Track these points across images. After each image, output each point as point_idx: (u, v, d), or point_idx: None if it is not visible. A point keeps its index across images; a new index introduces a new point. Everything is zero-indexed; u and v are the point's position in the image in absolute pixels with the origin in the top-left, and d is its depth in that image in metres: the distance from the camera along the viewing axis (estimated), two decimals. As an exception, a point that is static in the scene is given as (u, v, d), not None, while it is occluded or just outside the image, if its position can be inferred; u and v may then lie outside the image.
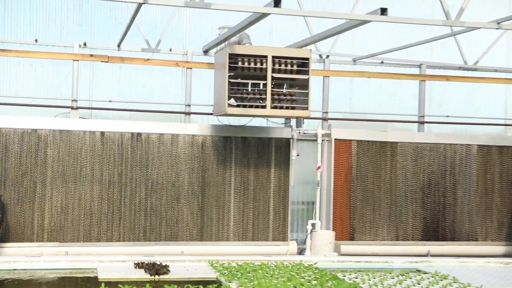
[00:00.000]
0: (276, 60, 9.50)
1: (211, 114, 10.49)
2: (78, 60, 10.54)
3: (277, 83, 9.73)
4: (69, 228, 9.93)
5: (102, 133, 10.12)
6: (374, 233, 11.16)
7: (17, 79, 10.71)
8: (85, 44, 10.77)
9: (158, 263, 7.03)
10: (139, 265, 7.09)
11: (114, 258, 7.59)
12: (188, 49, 11.23)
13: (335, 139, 11.05)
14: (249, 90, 9.72)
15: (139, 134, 10.27)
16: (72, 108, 10.49)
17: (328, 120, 11.58)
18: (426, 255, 10.84)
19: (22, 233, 9.72)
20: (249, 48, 9.56)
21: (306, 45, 10.19)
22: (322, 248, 10.32)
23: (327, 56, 11.77)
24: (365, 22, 8.15)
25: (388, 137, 11.25)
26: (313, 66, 10.42)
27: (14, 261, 7.43)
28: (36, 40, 10.64)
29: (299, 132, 10.88)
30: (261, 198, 10.65)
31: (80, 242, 9.94)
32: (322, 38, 9.91)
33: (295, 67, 9.60)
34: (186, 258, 7.79)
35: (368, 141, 11.17)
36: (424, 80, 12.17)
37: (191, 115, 11.09)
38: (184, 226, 10.37)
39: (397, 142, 11.27)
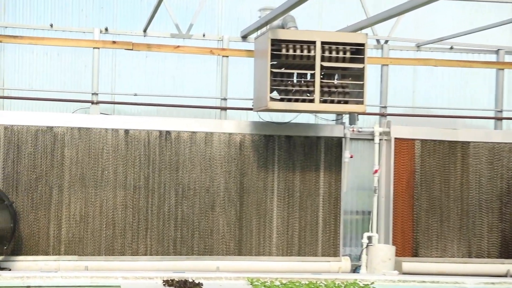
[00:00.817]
0: (326, 46, 9.44)
1: (251, 109, 10.51)
2: (98, 48, 10.67)
3: (327, 73, 9.67)
4: (89, 240, 10.08)
5: (126, 131, 10.24)
6: (441, 248, 11.02)
7: (30, 70, 10.91)
8: (106, 29, 10.91)
9: (190, 280, 7.08)
10: (168, 283, 7.15)
11: (140, 275, 7.65)
12: (224, 34, 11.25)
13: (395, 138, 10.97)
14: (295, 81, 9.71)
15: (168, 133, 10.35)
16: (92, 102, 10.63)
17: (387, 116, 11.46)
18: (505, 276, 10.64)
19: (37, 245, 9.92)
20: (295, 32, 9.53)
21: (361, 29, 10.08)
22: (380, 265, 10.25)
23: (386, 41, 11.65)
24: (431, 0, 8.02)
25: (459, 136, 11.10)
26: (369, 53, 10.34)
27: (27, 276, 7.58)
28: (51, 25, 10.81)
29: (353, 130, 10.81)
30: (309, 207, 10.62)
31: (101, 255, 10.08)
32: (380, 20, 9.77)
33: (348, 55, 9.53)
34: (222, 275, 7.82)
35: (435, 140, 11.05)
36: (502, 69, 11.92)
37: (228, 110, 11.11)
38: (219, 239, 10.41)
39: (469, 142, 11.10)
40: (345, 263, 10.63)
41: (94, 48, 10.66)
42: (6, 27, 10.67)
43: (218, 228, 10.42)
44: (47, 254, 9.92)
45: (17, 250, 9.83)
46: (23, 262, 9.78)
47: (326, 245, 10.66)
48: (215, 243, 10.39)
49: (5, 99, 10.63)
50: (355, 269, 10.86)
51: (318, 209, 10.65)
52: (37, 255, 9.89)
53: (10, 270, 9.47)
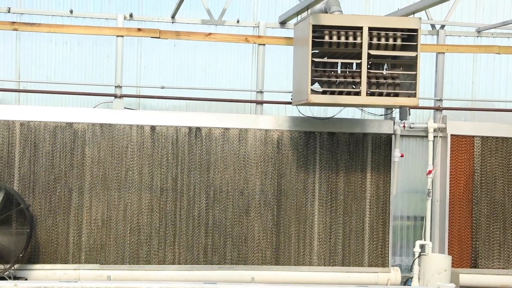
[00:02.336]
0: (374, 32, 9.35)
1: (290, 103, 10.44)
2: (122, 36, 10.69)
3: (375, 62, 9.60)
4: (112, 247, 10.10)
5: (153, 128, 10.24)
6: (504, 258, 10.85)
7: (49, 61, 10.99)
8: (131, 15, 10.93)
9: (223, 293, 7.04)
10: (198, 296, 7.12)
11: (167, 285, 7.69)
12: (260, 20, 11.20)
13: (452, 135, 10.85)
14: (339, 72, 9.64)
15: (198, 129, 10.33)
16: (115, 96, 10.66)
17: (443, 111, 11.32)
18: None
19: (55, 253, 9.97)
20: (339, 17, 9.44)
21: (413, 13, 9.94)
22: (435, 277, 10.11)
23: (442, 27, 11.48)
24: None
25: (524, 132, 10.92)
26: (423, 39, 10.17)
27: (45, 287, 7.63)
28: (71, 11, 10.87)
29: (404, 126, 10.72)
30: (354, 212, 10.52)
31: (125, 264, 10.09)
32: (436, 3, 9.61)
33: (399, 42, 9.42)
34: (257, 286, 7.78)
35: (497, 137, 10.89)
36: None
37: (264, 104, 11.05)
38: (254, 246, 10.36)
39: (536, 139, 10.90)
40: (395, 274, 10.54)
41: (117, 36, 10.68)
42: (22, 13, 10.75)
43: (253, 234, 10.36)
44: (66, 262, 9.97)
45: (34, 258, 9.89)
46: (40, 271, 9.84)
47: (374, 254, 10.54)
48: (250, 251, 10.34)
49: (21, 93, 10.71)
50: (406, 281, 10.77)
51: (364, 214, 10.53)
52: (55, 263, 9.95)
53: (26, 279, 9.57)
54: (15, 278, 9.47)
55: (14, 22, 10.39)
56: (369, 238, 10.55)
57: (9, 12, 10.64)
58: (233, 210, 10.35)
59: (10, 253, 9.50)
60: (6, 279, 9.20)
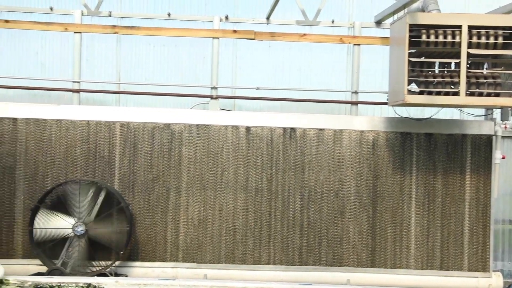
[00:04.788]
0: (474, 31, 9.17)
1: (385, 103, 10.34)
2: (218, 38, 10.84)
3: (475, 61, 9.40)
4: (208, 246, 10.28)
5: (248, 128, 10.35)
6: None
7: (147, 63, 11.28)
8: (227, 17, 11.08)
9: (320, 295, 7.04)
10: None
11: (262, 285, 7.73)
12: (355, 20, 11.15)
13: (556, 136, 10.51)
14: (436, 71, 9.50)
15: (293, 130, 10.37)
16: (211, 97, 10.82)
17: (547, 111, 10.97)
18: None
19: (154, 251, 10.23)
20: (437, 16, 9.31)
21: (515, 10, 9.71)
22: (539, 284, 9.84)
23: (545, 23, 11.11)
24: None
25: None
26: (525, 37, 9.90)
27: (144, 284, 7.83)
28: (169, 14, 11.13)
29: (505, 127, 10.47)
30: (452, 214, 10.33)
31: (221, 263, 10.25)
32: (539, -1, 9.37)
33: (500, 40, 9.20)
34: (353, 288, 7.76)
35: None
36: None
37: (359, 105, 10.98)
38: (350, 248, 10.32)
39: None
40: (496, 279, 10.30)
41: (213, 38, 10.83)
42: (122, 17, 11.09)
43: (349, 236, 10.32)
44: (164, 260, 10.20)
45: (134, 255, 10.18)
46: (140, 269, 10.12)
47: (474, 259, 10.32)
48: (345, 253, 10.31)
49: (121, 94, 11.03)
50: (509, 287, 10.46)
51: (463, 217, 10.33)
52: (154, 261, 10.19)
53: (126, 276, 9.84)
54: (116, 274, 9.75)
55: (115, 26, 10.71)
56: (468, 242, 10.33)
57: (110, 16, 11.00)
58: (328, 211, 10.35)
59: (111, 250, 9.81)
60: (108, 276, 9.49)
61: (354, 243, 10.32)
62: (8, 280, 8.39)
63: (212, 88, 10.82)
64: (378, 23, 11.06)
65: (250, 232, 10.29)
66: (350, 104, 10.98)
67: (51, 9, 10.98)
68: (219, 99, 10.82)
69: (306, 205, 10.33)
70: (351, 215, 10.34)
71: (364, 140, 10.37)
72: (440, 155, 10.34)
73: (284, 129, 10.37)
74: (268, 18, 11.05)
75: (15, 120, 10.13)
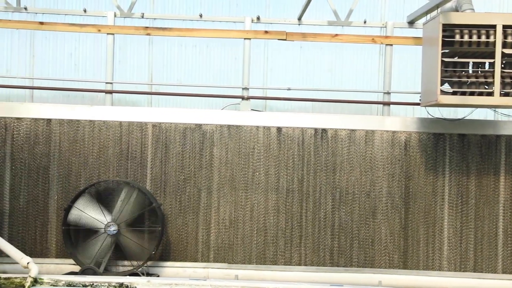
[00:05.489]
0: (509, 30, 9.09)
1: (418, 104, 10.25)
2: (249, 39, 10.84)
3: (510, 61, 9.29)
4: (239, 247, 10.28)
5: (279, 129, 10.34)
6: None
7: (179, 64, 11.31)
8: (258, 18, 11.07)
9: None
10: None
11: (293, 286, 7.72)
12: (387, 20, 11.07)
13: None
14: (470, 72, 9.42)
15: (324, 130, 10.33)
16: (242, 98, 10.83)
17: None
18: None
19: (185, 251, 10.26)
20: (471, 16, 9.23)
21: (551, 9, 9.59)
22: None
23: None
24: None
25: None
26: (561, 36, 9.76)
27: (176, 284, 7.87)
28: (200, 15, 11.16)
29: (540, 128, 10.31)
30: (486, 216, 10.22)
31: (252, 264, 10.25)
32: None
33: (535, 39, 9.10)
34: (385, 290, 7.72)
35: None
36: None
37: (391, 105, 10.91)
38: (382, 249, 10.26)
39: None
40: (530, 282, 10.18)
41: (245, 39, 10.83)
42: (154, 18, 11.14)
43: (380, 237, 10.26)
44: (195, 260, 10.23)
45: (165, 255, 10.22)
46: (172, 269, 10.16)
47: (508, 261, 10.21)
48: (377, 254, 10.25)
49: (153, 95, 11.08)
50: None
51: (497, 219, 10.21)
52: (185, 261, 10.23)
53: (158, 276, 9.89)
54: (148, 274, 9.81)
55: (147, 27, 10.77)
56: (503, 244, 10.21)
57: (142, 17, 11.06)
58: (359, 213, 10.30)
59: (143, 250, 9.86)
60: (140, 275, 9.54)
61: (386, 244, 10.26)
62: (42, 279, 8.50)
63: (243, 89, 10.82)
64: (411, 23, 10.97)
65: (281, 233, 10.28)
66: (382, 105, 10.90)
67: (85, 11, 11.07)
68: (251, 99, 10.82)
69: (337, 206, 10.29)
70: (383, 216, 10.27)
71: (396, 140, 10.30)
72: (473, 156, 10.23)
73: (316, 129, 10.34)
74: (299, 19, 11.02)
75: (49, 121, 10.24)
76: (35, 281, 8.49)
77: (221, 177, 10.31)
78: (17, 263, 8.96)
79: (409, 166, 10.28)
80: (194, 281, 8.48)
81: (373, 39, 10.81)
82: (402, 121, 10.35)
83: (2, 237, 9.54)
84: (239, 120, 10.36)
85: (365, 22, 11.10)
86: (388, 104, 10.84)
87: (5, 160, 10.17)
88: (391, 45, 10.84)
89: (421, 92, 9.89)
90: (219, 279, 9.83)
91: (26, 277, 8.52)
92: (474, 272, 10.20)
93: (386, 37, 10.84)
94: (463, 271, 10.21)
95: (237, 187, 10.30)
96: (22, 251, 9.16)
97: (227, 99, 10.96)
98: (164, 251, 10.21)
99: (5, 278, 8.60)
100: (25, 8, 11.09)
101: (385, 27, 11.02)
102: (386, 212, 10.27)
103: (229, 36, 10.88)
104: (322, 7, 11.08)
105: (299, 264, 10.26)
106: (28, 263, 8.75)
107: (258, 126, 10.35)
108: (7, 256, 9.19)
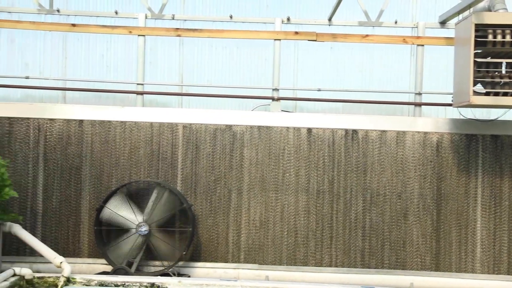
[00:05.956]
0: (543, 30, 9.00)
1: (450, 105, 10.17)
2: (280, 40, 10.83)
3: (544, 61, 9.22)
4: (270, 248, 10.27)
5: (309, 130, 10.31)
6: None
7: (209, 65, 11.32)
8: (288, 19, 11.05)
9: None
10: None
11: (324, 287, 7.67)
12: (419, 20, 11.00)
13: None
14: (503, 72, 9.35)
15: (354, 131, 10.29)
16: (272, 99, 10.81)
17: None
18: None
19: (216, 251, 10.27)
20: (504, 15, 9.16)
21: None
22: None
23: None
24: None
25: None
26: None
27: (207, 284, 7.88)
28: (231, 17, 11.17)
29: None
30: (520, 218, 10.14)
31: (283, 265, 10.23)
32: None
33: None
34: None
35: None
36: None
37: (423, 106, 10.82)
38: (413, 251, 10.18)
39: None
40: None
41: (275, 40, 10.81)
42: (185, 20, 11.17)
43: (412, 239, 10.18)
44: (226, 261, 10.24)
45: (196, 256, 10.24)
46: (202, 269, 10.17)
47: (542, 263, 10.11)
48: (409, 256, 10.18)
49: (183, 96, 11.11)
50: None
51: (531, 221, 10.12)
52: (216, 262, 10.24)
53: (189, 276, 9.90)
54: (179, 275, 9.84)
55: (177, 29, 10.80)
56: (537, 246, 10.13)
57: (173, 19, 11.10)
58: (390, 214, 10.23)
59: (174, 250, 9.89)
60: (171, 276, 9.57)
61: (417, 246, 10.18)
62: (74, 278, 8.57)
63: (273, 89, 10.80)
64: (443, 23, 10.88)
65: (312, 234, 10.24)
66: (413, 106, 10.82)
67: (116, 12, 11.14)
68: (281, 100, 10.80)
69: (368, 208, 10.23)
70: (414, 218, 10.19)
71: (428, 142, 10.22)
72: (507, 157, 10.12)
73: (346, 130, 10.29)
74: (330, 19, 10.99)
75: (81, 122, 10.31)
76: (68, 280, 8.56)
77: (251, 178, 10.31)
78: (50, 262, 9.04)
79: (441, 167, 10.19)
80: (224, 282, 8.51)
81: (404, 39, 10.73)
82: (434, 122, 10.27)
83: (36, 236, 9.63)
84: (269, 121, 10.35)
85: (396, 22, 11.03)
86: (419, 104, 10.75)
87: (38, 161, 10.26)
88: (423, 45, 10.74)
89: (453, 93, 9.81)
90: (250, 279, 9.83)
91: (59, 277, 8.60)
92: (508, 274, 10.08)
93: (418, 37, 10.76)
94: (497, 274, 10.10)
95: (267, 188, 10.29)
96: (55, 250, 9.25)
97: (257, 100, 10.96)
98: (194, 252, 10.23)
99: (38, 277, 8.69)
100: (58, 11, 11.19)
101: (417, 27, 10.94)
102: (418, 214, 10.19)
103: (259, 37, 10.88)
104: (352, 8, 11.04)
105: (330, 265, 10.22)
106: (61, 262, 8.83)
107: (288, 127, 10.33)
108: (41, 255, 9.27)
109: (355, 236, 10.23)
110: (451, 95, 9.96)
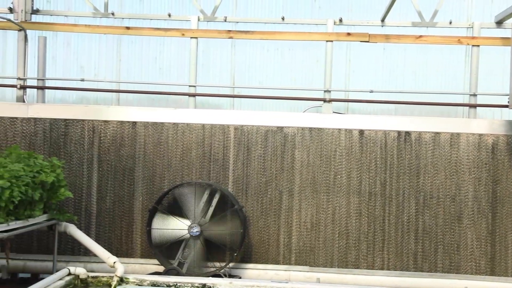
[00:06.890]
0: None
1: (506, 106, 9.95)
2: (332, 41, 10.75)
3: None
4: (321, 250, 10.20)
5: (361, 132, 10.20)
6: None
7: (261, 67, 11.33)
8: (341, 20, 10.97)
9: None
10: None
11: (377, 291, 7.61)
12: (474, 20, 10.79)
13: None
14: (562, 72, 9.08)
15: (407, 133, 10.14)
16: (324, 100, 10.73)
17: None
18: None
19: (266, 253, 10.24)
20: (562, 14, 8.89)
21: None
22: None
23: None
24: None
25: None
26: None
27: (257, 286, 7.85)
28: (283, 18, 11.14)
29: None
30: None
31: (334, 267, 10.15)
32: None
33: None
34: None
35: None
36: None
37: (478, 107, 10.60)
38: (468, 255, 9.99)
39: None
40: None
41: (327, 41, 10.73)
42: (237, 22, 11.19)
43: (466, 242, 9.99)
44: (277, 263, 10.20)
45: (247, 257, 10.22)
46: (253, 271, 10.15)
47: None
48: (463, 260, 9.98)
49: (235, 98, 11.13)
50: None
51: None
52: (267, 263, 10.20)
53: (240, 278, 9.89)
54: (230, 276, 9.84)
55: (229, 31, 10.82)
56: None
57: (225, 21, 11.13)
58: (444, 217, 10.05)
59: (225, 252, 9.89)
60: (222, 277, 9.57)
61: (472, 250, 9.97)
62: (127, 278, 8.64)
63: (325, 91, 10.71)
64: (499, 23, 10.65)
65: (364, 237, 10.13)
66: (468, 107, 10.61)
67: (169, 15, 11.23)
68: (332, 102, 10.71)
69: (421, 210, 10.07)
70: (468, 221, 9.99)
71: (483, 144, 10.01)
72: None
73: (399, 132, 10.15)
74: (382, 20, 10.87)
75: (134, 123, 10.40)
76: (121, 280, 8.63)
77: (303, 180, 10.25)
78: (104, 262, 9.13)
79: (497, 170, 9.97)
80: (276, 284, 8.46)
81: (459, 40, 10.53)
82: (489, 124, 10.05)
83: (90, 236, 9.75)
84: (320, 123, 10.28)
85: (450, 22, 10.85)
86: (474, 106, 10.54)
87: (92, 162, 10.39)
88: (478, 46, 10.53)
89: (509, 94, 9.60)
90: (301, 281, 9.78)
91: (113, 276, 8.67)
92: None
93: (473, 37, 10.55)
94: (554, 279, 9.86)
95: (319, 189, 10.22)
96: (108, 250, 9.33)
97: (308, 102, 10.91)
98: (245, 253, 10.22)
99: (92, 277, 8.77)
100: (112, 14, 11.33)
101: (472, 27, 10.74)
102: (473, 217, 9.99)
103: (312, 38, 10.82)
104: (405, 8, 10.91)
105: (382, 268, 10.10)
106: (114, 262, 8.90)
107: (340, 129, 10.24)
108: (95, 255, 9.37)
109: (408, 239, 10.08)
110: (507, 96, 9.75)
